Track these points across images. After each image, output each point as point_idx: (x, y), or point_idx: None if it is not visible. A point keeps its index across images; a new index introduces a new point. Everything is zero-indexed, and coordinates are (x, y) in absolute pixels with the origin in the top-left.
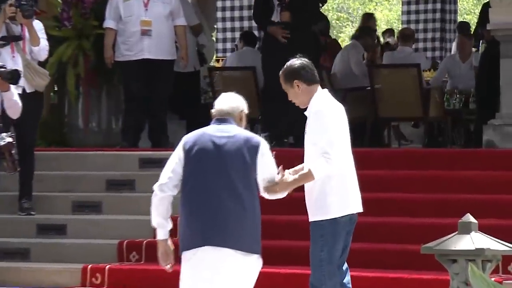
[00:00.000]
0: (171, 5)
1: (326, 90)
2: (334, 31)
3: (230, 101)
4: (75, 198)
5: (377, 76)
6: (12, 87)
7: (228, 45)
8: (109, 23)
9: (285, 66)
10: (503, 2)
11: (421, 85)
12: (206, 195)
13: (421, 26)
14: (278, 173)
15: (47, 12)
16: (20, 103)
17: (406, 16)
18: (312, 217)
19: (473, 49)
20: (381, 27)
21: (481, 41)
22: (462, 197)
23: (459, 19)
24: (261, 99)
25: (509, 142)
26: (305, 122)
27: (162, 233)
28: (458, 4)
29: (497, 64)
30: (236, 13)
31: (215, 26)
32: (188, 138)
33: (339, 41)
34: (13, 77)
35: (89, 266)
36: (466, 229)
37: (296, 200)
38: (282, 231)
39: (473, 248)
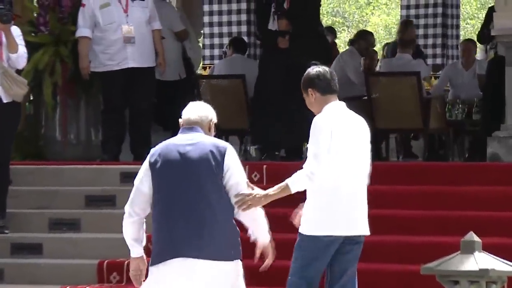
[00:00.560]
0: (149, 9)
1: (341, 102)
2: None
3: (198, 110)
4: (52, 215)
5: (374, 84)
6: None
7: (216, 52)
8: (84, 31)
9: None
10: (508, 5)
11: (421, 95)
12: (174, 206)
13: (421, 31)
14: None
15: (22, 17)
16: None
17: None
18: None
19: (477, 56)
20: (378, 32)
21: (488, 47)
22: (465, 214)
23: (462, 24)
24: (251, 109)
25: None
26: (299, 134)
27: (135, 252)
28: (461, 8)
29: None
30: (224, 18)
31: (202, 31)
32: (154, 151)
33: None
34: None
35: None
36: (469, 249)
37: None
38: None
39: (477, 269)
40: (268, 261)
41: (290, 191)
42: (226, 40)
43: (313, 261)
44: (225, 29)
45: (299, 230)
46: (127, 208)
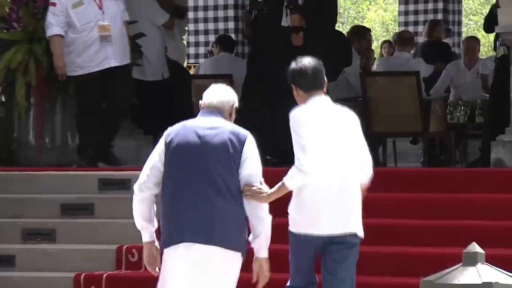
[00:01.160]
0: (121, 0)
1: (324, 97)
2: None
3: (221, 94)
4: (25, 225)
5: (371, 85)
6: None
7: (201, 50)
8: (55, 29)
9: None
10: None
11: (421, 96)
12: (187, 189)
13: (420, 28)
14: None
15: None
16: None
17: (404, 17)
18: None
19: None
20: (375, 29)
21: (498, 43)
22: (467, 223)
23: (464, 20)
24: (238, 110)
25: None
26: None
27: (147, 236)
28: (463, 3)
29: None
30: (210, 14)
31: (186, 28)
32: (170, 130)
33: None
34: None
35: None
36: (472, 260)
37: None
38: None
39: (480, 282)
40: (262, 281)
41: (287, 189)
42: (212, 38)
43: (300, 261)
44: (211, 26)
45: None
46: (137, 185)
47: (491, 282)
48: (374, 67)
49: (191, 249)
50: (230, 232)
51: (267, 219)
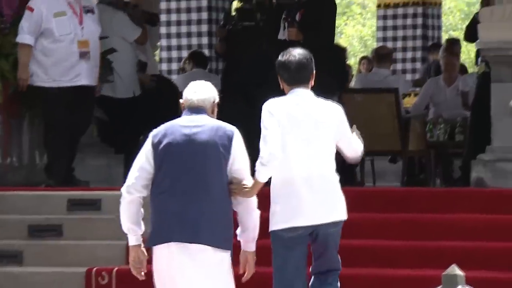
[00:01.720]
0: (98, 20)
1: (305, 90)
2: None
3: (201, 92)
4: None
5: (349, 102)
6: None
7: (174, 66)
8: (27, 38)
9: None
10: (494, 15)
11: (399, 114)
12: (176, 188)
13: (399, 44)
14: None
15: None
16: None
17: (382, 32)
18: None
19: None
20: (353, 44)
21: (479, 58)
22: (448, 244)
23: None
24: None
25: (501, 180)
26: None
27: (134, 239)
28: (443, 19)
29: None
30: (183, 29)
31: (159, 43)
32: (157, 131)
33: None
34: None
35: None
36: (452, 283)
37: None
38: None
39: None
40: (248, 274)
41: (259, 182)
42: (185, 53)
43: (282, 261)
44: (184, 41)
45: None
46: (125, 187)
47: None
48: (352, 84)
49: (182, 248)
50: (219, 231)
51: (255, 213)
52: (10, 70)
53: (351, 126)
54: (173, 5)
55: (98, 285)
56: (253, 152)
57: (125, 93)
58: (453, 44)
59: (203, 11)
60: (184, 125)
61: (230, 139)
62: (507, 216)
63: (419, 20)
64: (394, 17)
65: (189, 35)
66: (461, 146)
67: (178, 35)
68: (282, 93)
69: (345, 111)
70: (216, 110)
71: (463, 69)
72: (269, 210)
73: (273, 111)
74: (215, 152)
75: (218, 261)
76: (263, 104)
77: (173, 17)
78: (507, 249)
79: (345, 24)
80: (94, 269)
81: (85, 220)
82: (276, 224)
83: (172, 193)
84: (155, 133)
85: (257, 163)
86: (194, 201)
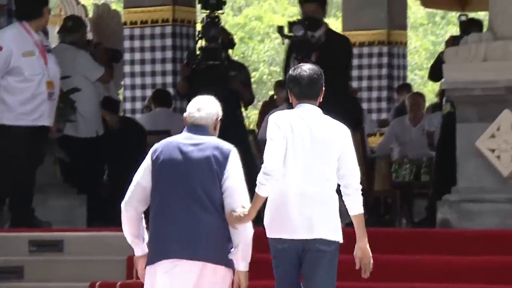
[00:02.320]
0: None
1: (312, 107)
2: (265, 88)
3: (203, 110)
4: None
5: None
6: None
7: (138, 105)
8: None
9: None
10: (459, 56)
11: (365, 153)
12: (171, 205)
13: (365, 83)
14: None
15: None
16: None
17: None
18: None
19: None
20: None
21: (444, 98)
22: (413, 286)
23: (410, 75)
24: None
25: (467, 221)
26: None
27: (139, 250)
28: (408, 58)
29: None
30: (147, 68)
31: (122, 82)
32: (156, 147)
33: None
34: None
35: None
36: None
37: None
38: None
39: None
40: None
41: (261, 197)
42: (149, 92)
43: (280, 272)
44: (148, 80)
45: None
46: (123, 203)
47: None
48: None
49: (177, 265)
50: (215, 247)
51: (246, 231)
52: None
53: None
54: (137, 43)
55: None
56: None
57: (88, 133)
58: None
59: (168, 50)
60: (183, 142)
61: (226, 157)
62: (473, 258)
63: (385, 60)
64: (360, 56)
65: (153, 74)
66: (427, 186)
67: (142, 74)
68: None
69: None
70: (218, 127)
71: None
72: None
73: (279, 123)
74: (210, 170)
75: (216, 276)
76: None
77: (137, 55)
78: None
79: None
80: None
81: (47, 262)
82: (267, 231)
83: (167, 211)
84: (154, 149)
85: (260, 174)
86: (190, 218)
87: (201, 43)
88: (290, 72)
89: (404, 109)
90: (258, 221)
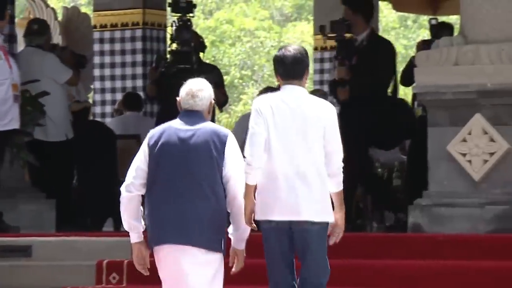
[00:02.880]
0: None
1: (296, 87)
2: (236, 92)
3: (198, 93)
4: None
5: None
6: None
7: (108, 109)
8: None
9: None
10: (430, 60)
11: None
12: (170, 192)
13: None
14: None
15: None
16: None
17: (319, 75)
18: None
19: None
20: None
21: (416, 103)
22: None
23: None
24: None
25: (438, 226)
26: None
27: (135, 236)
28: None
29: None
30: (117, 71)
31: (92, 86)
32: (153, 132)
33: (241, 104)
34: None
35: None
36: None
37: None
38: None
39: None
40: (236, 268)
41: (249, 186)
42: (119, 96)
43: (267, 247)
44: (118, 84)
45: None
46: (124, 186)
47: None
48: None
49: (172, 251)
50: (212, 233)
51: (243, 213)
52: None
53: None
54: (107, 47)
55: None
56: None
57: (57, 137)
58: None
59: (138, 53)
60: (179, 128)
61: (223, 142)
62: (444, 262)
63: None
64: (330, 60)
65: (123, 77)
66: (399, 191)
67: (112, 77)
68: None
69: None
70: (211, 110)
71: None
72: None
73: (261, 108)
74: (209, 155)
75: (209, 262)
76: None
77: (107, 59)
78: None
79: None
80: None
81: (15, 267)
82: (256, 214)
83: (166, 196)
84: (151, 135)
85: (245, 164)
86: (188, 204)
87: (172, 46)
88: (276, 53)
89: None
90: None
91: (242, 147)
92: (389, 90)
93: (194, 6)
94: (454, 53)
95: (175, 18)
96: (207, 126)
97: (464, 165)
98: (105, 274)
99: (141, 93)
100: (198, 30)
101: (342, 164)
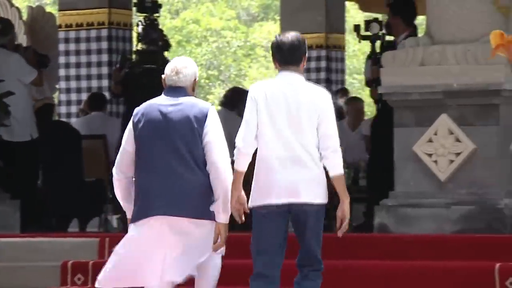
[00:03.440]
0: None
1: (292, 74)
2: (202, 92)
3: (182, 70)
4: None
5: None
6: None
7: (73, 109)
8: None
9: None
10: (396, 61)
11: None
12: (155, 165)
13: None
14: None
15: None
16: None
17: None
18: None
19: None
20: None
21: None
22: None
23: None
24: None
25: (405, 226)
26: None
27: (130, 214)
28: (347, 62)
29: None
30: (83, 71)
31: (57, 86)
32: (137, 110)
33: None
34: None
35: None
36: None
37: None
38: None
39: None
40: (217, 247)
41: (238, 171)
42: (84, 96)
43: (260, 234)
44: (83, 84)
45: None
46: (114, 169)
47: None
48: None
49: (163, 222)
50: (199, 203)
51: (226, 182)
52: None
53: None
54: (72, 46)
55: None
56: None
57: (22, 137)
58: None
59: (103, 53)
60: (162, 103)
61: (205, 114)
62: (410, 262)
63: (323, 63)
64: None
65: (88, 77)
66: (365, 191)
67: (78, 77)
68: None
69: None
70: (196, 87)
71: None
72: None
73: (255, 95)
74: (190, 129)
75: (200, 230)
76: None
77: (72, 59)
78: None
79: (249, 66)
80: None
81: None
82: (252, 201)
83: (150, 169)
84: (135, 112)
85: (235, 151)
86: (173, 176)
87: (138, 46)
88: (274, 39)
89: (342, 113)
90: (245, 227)
91: None
92: None
93: (160, 6)
94: (420, 53)
95: (141, 18)
96: (189, 100)
97: (430, 165)
98: (70, 275)
99: (107, 93)
100: (164, 30)
101: (339, 148)
